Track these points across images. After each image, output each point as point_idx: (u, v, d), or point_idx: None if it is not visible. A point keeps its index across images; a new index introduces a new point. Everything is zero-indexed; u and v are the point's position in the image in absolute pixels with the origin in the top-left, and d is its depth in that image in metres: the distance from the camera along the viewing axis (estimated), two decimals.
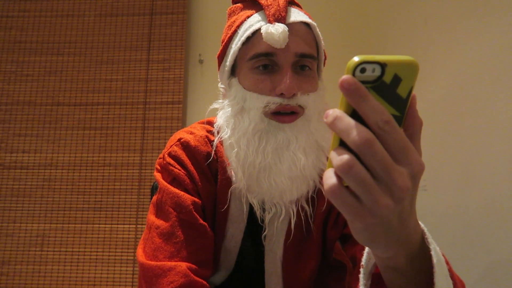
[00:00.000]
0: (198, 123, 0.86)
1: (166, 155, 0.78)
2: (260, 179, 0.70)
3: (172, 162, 0.77)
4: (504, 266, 0.98)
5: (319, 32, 0.76)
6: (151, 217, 0.75)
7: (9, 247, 1.90)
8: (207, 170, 0.77)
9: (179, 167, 0.76)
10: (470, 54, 1.17)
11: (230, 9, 0.81)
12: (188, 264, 0.68)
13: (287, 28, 0.69)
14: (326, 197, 0.36)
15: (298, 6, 0.77)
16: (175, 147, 0.78)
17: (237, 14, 0.78)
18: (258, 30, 0.71)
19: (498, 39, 1.05)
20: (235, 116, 0.73)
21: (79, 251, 1.88)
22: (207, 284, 0.68)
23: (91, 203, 1.93)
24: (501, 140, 1.03)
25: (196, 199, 0.74)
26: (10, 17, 2.12)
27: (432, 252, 0.42)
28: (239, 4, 0.79)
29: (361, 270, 0.48)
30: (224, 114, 0.75)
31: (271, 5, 0.72)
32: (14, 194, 1.95)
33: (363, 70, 0.33)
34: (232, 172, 0.74)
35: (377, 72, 0.33)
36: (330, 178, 0.35)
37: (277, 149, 0.69)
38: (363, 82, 0.33)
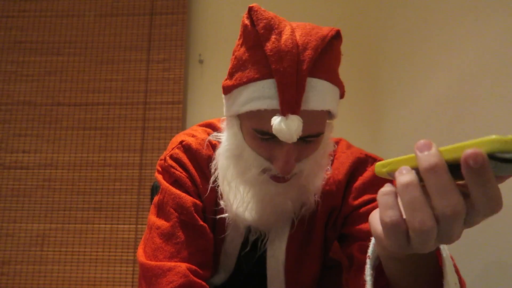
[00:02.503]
0: (199, 125, 0.86)
1: (167, 157, 0.78)
2: (247, 214, 0.73)
3: (173, 164, 0.77)
4: (502, 267, 0.99)
5: (336, 112, 0.67)
6: (152, 218, 0.76)
7: (9, 247, 1.90)
8: (208, 173, 0.77)
9: (181, 170, 0.76)
10: (470, 54, 1.17)
11: (244, 26, 0.65)
12: (188, 265, 0.68)
13: (302, 121, 0.59)
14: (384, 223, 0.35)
15: (322, 66, 0.62)
16: (176, 149, 0.78)
17: (247, 47, 0.64)
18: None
19: (498, 39, 1.05)
20: (233, 157, 0.71)
21: (79, 251, 1.88)
22: (207, 286, 0.68)
23: (91, 203, 1.93)
24: None
25: (196, 201, 0.74)
26: (10, 17, 2.12)
27: (440, 247, 0.43)
28: (252, 30, 0.63)
29: (368, 261, 0.48)
30: (223, 155, 0.74)
31: (286, 84, 0.58)
32: (14, 194, 1.95)
33: (503, 153, 0.29)
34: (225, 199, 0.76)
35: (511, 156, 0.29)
36: (392, 211, 0.35)
37: (268, 198, 0.70)
38: (491, 157, 0.29)
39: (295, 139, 0.60)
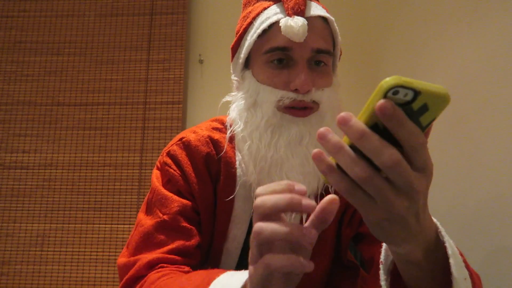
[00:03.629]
0: (209, 120, 0.85)
1: (165, 154, 0.78)
2: (271, 173, 0.69)
3: (169, 162, 0.76)
4: (507, 252, 0.98)
5: (336, 28, 0.74)
6: (140, 215, 0.76)
7: (9, 247, 1.89)
8: (205, 171, 0.76)
9: (175, 168, 0.76)
10: (470, 54, 1.17)
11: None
12: (153, 256, 0.66)
13: (306, 22, 0.67)
14: (339, 192, 0.37)
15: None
16: (175, 146, 0.78)
17: (253, 5, 0.76)
18: (275, 23, 0.69)
19: (498, 39, 1.05)
20: (248, 109, 0.71)
21: (79, 251, 1.88)
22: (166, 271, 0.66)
23: (91, 203, 1.93)
24: (502, 138, 1.03)
25: (185, 201, 0.73)
26: (10, 17, 2.12)
27: (447, 244, 0.44)
28: None
29: (381, 266, 0.49)
30: (237, 107, 0.74)
31: None
32: (14, 194, 1.94)
33: (395, 93, 0.32)
34: (243, 165, 0.73)
35: (409, 97, 0.33)
36: (341, 181, 0.37)
37: (289, 143, 0.68)
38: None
39: (302, 37, 0.66)
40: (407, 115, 0.33)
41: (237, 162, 0.75)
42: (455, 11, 1.26)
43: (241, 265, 0.81)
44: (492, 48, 1.08)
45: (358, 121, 0.34)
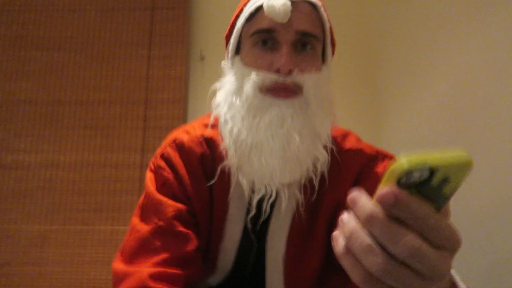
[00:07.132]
0: (199, 118, 0.85)
1: (159, 157, 0.78)
2: (251, 157, 0.69)
3: (163, 165, 0.76)
4: (508, 265, 0.97)
5: (324, 13, 0.74)
6: (134, 220, 0.75)
7: (9, 248, 1.88)
8: (200, 172, 0.76)
9: (169, 170, 0.75)
10: (471, 54, 1.16)
11: None
12: (154, 270, 0.65)
13: (290, 3, 0.68)
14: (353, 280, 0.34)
15: None
16: (168, 148, 0.78)
17: None
18: (262, 7, 0.71)
19: (499, 39, 1.04)
20: (234, 93, 0.72)
21: (79, 252, 1.86)
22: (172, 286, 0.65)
23: (92, 204, 1.90)
24: (503, 138, 1.02)
25: (180, 206, 0.72)
26: (11, 11, 2.08)
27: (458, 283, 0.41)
28: None
29: None
30: (224, 92, 0.75)
31: None
32: (15, 194, 1.92)
33: (409, 176, 0.29)
34: (226, 150, 0.73)
35: (425, 175, 0.29)
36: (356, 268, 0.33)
37: (270, 125, 0.68)
38: (407, 186, 0.29)
39: (284, 17, 0.67)
40: (427, 191, 0.30)
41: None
42: (455, 11, 1.25)
43: (238, 263, 0.80)
44: (493, 48, 1.07)
45: (367, 202, 0.31)
